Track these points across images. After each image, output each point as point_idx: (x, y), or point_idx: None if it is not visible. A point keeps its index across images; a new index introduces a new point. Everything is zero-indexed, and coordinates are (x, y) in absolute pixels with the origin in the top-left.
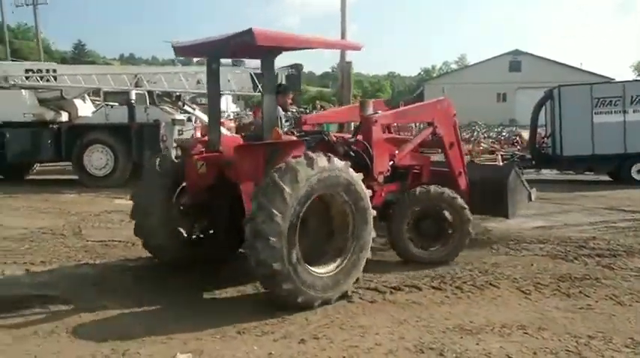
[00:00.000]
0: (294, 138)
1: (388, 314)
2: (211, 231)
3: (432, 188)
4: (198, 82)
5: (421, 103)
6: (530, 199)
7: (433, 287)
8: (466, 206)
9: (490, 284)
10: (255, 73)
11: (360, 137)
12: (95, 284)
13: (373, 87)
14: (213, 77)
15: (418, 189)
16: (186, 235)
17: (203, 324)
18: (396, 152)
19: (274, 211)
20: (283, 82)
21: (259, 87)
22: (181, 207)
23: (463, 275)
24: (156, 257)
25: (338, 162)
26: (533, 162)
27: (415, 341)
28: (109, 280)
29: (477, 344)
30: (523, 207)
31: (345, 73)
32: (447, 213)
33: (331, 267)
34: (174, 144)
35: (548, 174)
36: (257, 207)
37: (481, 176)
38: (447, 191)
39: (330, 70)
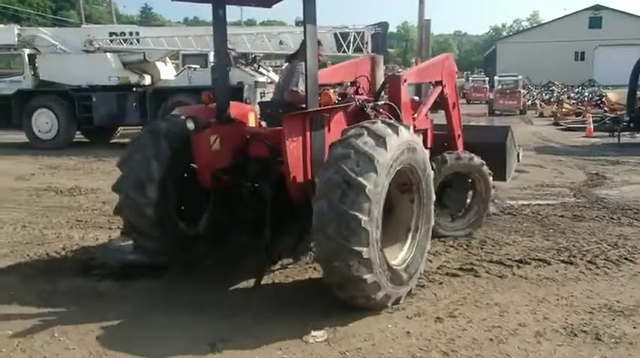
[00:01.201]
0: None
1: (523, 290)
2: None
3: (462, 154)
4: (280, 43)
5: (432, 60)
6: (518, 160)
7: (563, 262)
8: (491, 173)
9: (625, 258)
10: (340, 33)
11: (386, 98)
12: None
13: (440, 46)
14: (220, 26)
15: (447, 156)
16: (187, 230)
17: (331, 303)
18: (415, 115)
19: (367, 185)
20: (369, 41)
21: (344, 47)
22: (186, 194)
23: (591, 248)
24: (145, 251)
25: (411, 129)
26: (631, 125)
27: (562, 323)
28: None
29: (634, 327)
30: (514, 168)
31: (425, 31)
32: (475, 182)
33: (403, 252)
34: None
35: None
36: (338, 181)
37: (479, 139)
38: (476, 157)
39: (394, 30)
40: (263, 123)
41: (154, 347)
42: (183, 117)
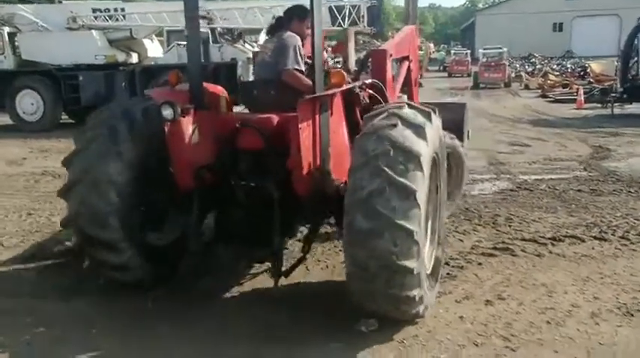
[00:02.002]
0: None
1: (564, 269)
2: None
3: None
4: (273, 17)
5: (402, 33)
6: (468, 138)
7: (595, 238)
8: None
9: None
10: (335, 6)
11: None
12: None
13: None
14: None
15: None
16: (158, 241)
17: None
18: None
19: (416, 189)
20: (365, 14)
21: (339, 20)
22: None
23: (619, 223)
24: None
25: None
26: (625, 96)
27: (614, 302)
28: None
29: None
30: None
31: (412, 1)
32: (452, 163)
33: (431, 249)
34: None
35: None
36: (380, 186)
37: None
38: (447, 133)
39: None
40: (238, 108)
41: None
42: (155, 103)
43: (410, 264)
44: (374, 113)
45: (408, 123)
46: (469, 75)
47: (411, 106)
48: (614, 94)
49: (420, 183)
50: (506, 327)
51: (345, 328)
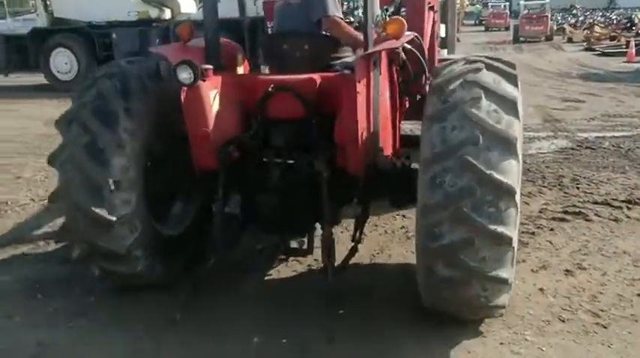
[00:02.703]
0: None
1: None
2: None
3: None
4: None
5: None
6: None
7: None
8: None
9: None
10: None
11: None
12: None
13: None
14: None
15: None
16: (167, 231)
17: None
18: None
19: (515, 188)
20: None
21: None
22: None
23: None
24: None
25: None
26: None
27: None
28: None
29: None
30: None
31: None
32: None
33: None
34: None
35: None
36: (469, 184)
37: None
38: None
39: None
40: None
41: None
42: (167, 63)
43: (504, 274)
44: (442, 82)
45: (496, 97)
46: (507, 29)
47: (490, 68)
48: None
49: (517, 179)
50: (592, 301)
51: (416, 316)
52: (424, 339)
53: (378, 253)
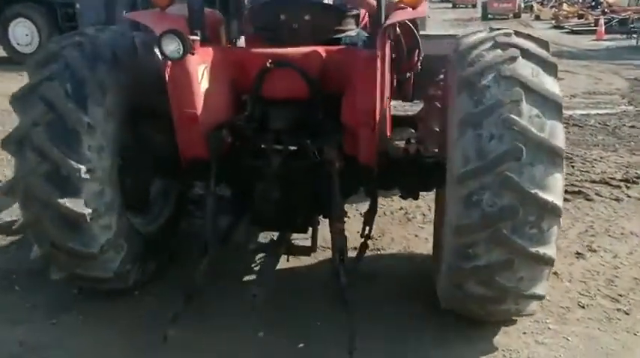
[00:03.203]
0: None
1: None
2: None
3: None
4: None
5: None
6: None
7: None
8: None
9: None
10: None
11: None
12: None
13: None
14: None
15: None
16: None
17: None
18: None
19: (560, 206)
20: None
21: None
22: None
23: None
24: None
25: None
26: None
27: None
28: None
29: None
30: None
31: None
32: None
33: None
34: None
35: None
36: (511, 203)
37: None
38: None
39: None
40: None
41: None
42: (148, 34)
43: (538, 292)
44: (472, 69)
45: (544, 60)
46: (474, 6)
47: (525, 38)
48: (633, 26)
49: (561, 192)
50: (609, 285)
51: (431, 309)
52: (443, 333)
53: (379, 236)
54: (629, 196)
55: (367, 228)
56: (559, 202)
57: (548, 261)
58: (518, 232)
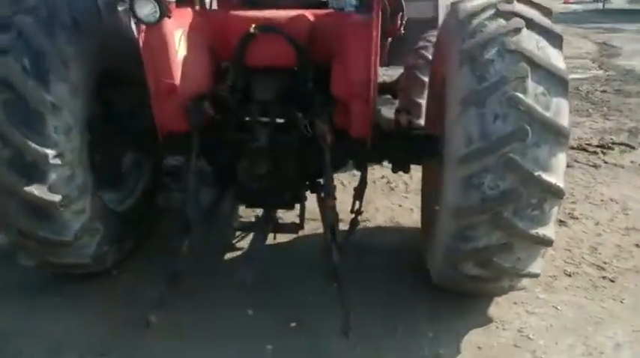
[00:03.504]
0: None
1: (628, 182)
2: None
3: None
4: None
5: None
6: None
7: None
8: None
9: None
10: None
11: None
12: None
13: None
14: None
15: None
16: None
17: None
18: None
19: (562, 187)
20: None
21: None
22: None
23: None
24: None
25: None
26: None
27: None
28: None
29: None
30: None
31: None
32: None
33: None
34: None
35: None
36: (512, 185)
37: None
38: None
39: None
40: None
41: None
42: None
43: (533, 270)
44: (473, 40)
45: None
46: None
47: (529, 22)
48: None
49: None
50: (593, 253)
51: (422, 281)
52: (434, 305)
53: (364, 207)
54: (605, 162)
55: (357, 202)
56: (561, 184)
57: (548, 242)
58: (520, 215)
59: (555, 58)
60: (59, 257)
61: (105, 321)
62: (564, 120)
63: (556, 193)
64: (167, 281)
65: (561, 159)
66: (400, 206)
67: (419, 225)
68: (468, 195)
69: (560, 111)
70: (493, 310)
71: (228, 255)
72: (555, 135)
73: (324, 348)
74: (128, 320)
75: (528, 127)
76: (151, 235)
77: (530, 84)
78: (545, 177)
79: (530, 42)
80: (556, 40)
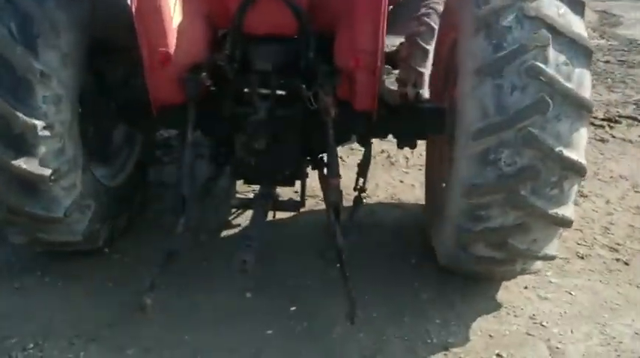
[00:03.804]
0: None
1: (637, 157)
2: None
3: None
4: None
5: None
6: None
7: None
8: None
9: None
10: None
11: None
12: None
13: None
14: None
15: None
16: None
17: None
18: None
19: (584, 164)
20: None
21: None
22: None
23: None
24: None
25: None
26: None
27: None
28: None
29: None
30: None
31: None
32: None
33: None
34: None
35: None
36: (531, 162)
37: None
38: None
39: None
40: None
41: None
42: None
43: (553, 250)
44: (488, 6)
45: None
46: None
47: None
48: None
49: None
50: (605, 233)
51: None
52: (441, 289)
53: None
54: (613, 136)
55: (362, 179)
56: (583, 161)
57: (567, 223)
58: (538, 193)
59: (577, 26)
60: (49, 234)
61: (96, 304)
62: (587, 92)
63: (578, 171)
64: (162, 262)
65: (583, 134)
66: (402, 182)
67: (421, 201)
68: (482, 172)
69: (582, 82)
70: (503, 295)
71: (225, 233)
72: (578, 108)
73: (326, 333)
74: (120, 302)
75: (549, 99)
76: (144, 212)
77: (552, 53)
78: (567, 153)
79: (551, 8)
80: (578, 7)
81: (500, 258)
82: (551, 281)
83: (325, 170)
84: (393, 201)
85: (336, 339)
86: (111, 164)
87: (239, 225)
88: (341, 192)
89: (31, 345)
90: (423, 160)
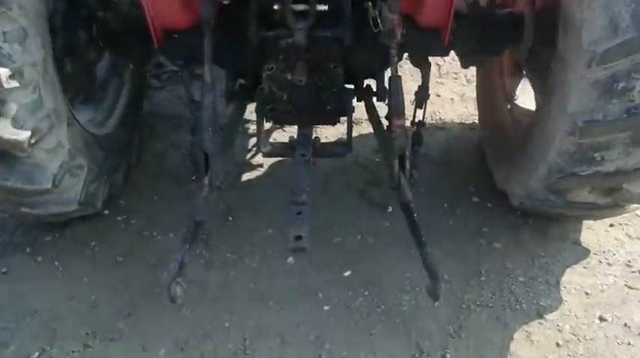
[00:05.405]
0: None
1: None
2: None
3: None
4: None
5: None
6: None
7: None
8: None
9: None
10: None
11: None
12: None
13: None
14: None
15: None
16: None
17: None
18: None
19: None
20: None
21: None
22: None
23: None
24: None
25: None
26: None
27: None
28: None
29: None
30: None
31: None
32: None
33: None
34: None
35: None
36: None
37: None
38: None
39: None
40: None
41: None
42: None
43: None
44: None
45: None
46: None
47: None
48: None
49: None
50: None
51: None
52: (515, 233)
53: None
54: None
55: (421, 111)
56: None
57: None
58: None
59: None
60: (38, 208)
61: (107, 287)
62: None
63: None
64: (189, 236)
65: None
66: (438, 96)
67: (465, 119)
68: (604, 106)
69: None
70: (587, 237)
71: (247, 177)
72: None
73: (394, 305)
74: (138, 282)
75: None
76: (143, 162)
77: None
78: None
79: None
80: None
81: (604, 203)
82: (638, 215)
83: (384, 103)
84: (433, 122)
85: (407, 313)
86: (98, 107)
87: (261, 166)
88: (406, 135)
89: (36, 354)
90: (456, 67)
